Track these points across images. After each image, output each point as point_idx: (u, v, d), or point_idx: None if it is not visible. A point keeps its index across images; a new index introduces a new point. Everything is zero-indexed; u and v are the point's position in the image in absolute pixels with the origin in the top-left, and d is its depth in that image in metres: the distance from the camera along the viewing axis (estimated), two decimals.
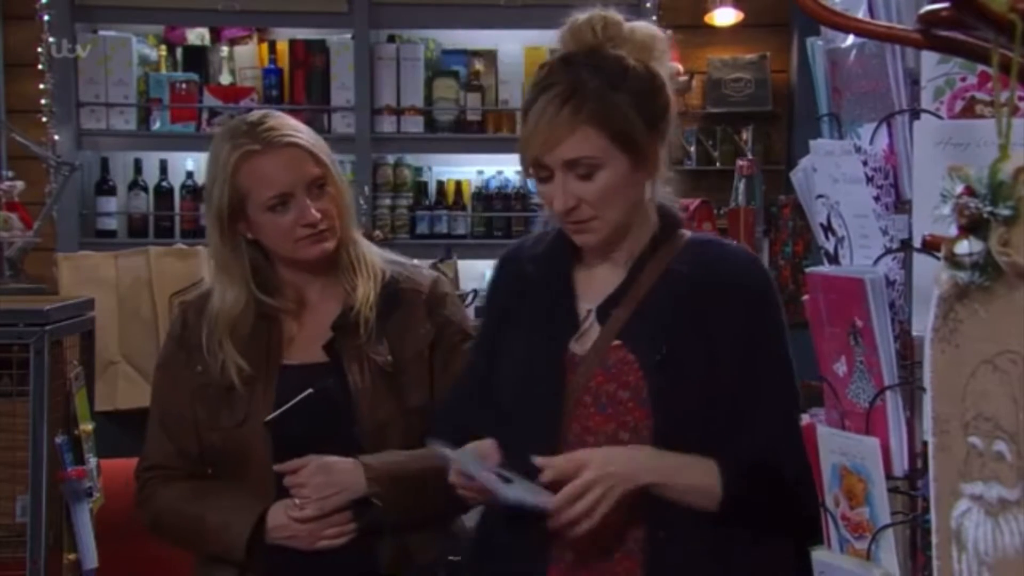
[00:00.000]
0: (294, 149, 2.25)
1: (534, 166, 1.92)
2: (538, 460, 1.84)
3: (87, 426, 2.74)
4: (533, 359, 1.99)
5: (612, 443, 1.91)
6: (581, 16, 1.95)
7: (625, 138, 1.89)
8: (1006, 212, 1.06)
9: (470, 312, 3.15)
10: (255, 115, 2.31)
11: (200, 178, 5.12)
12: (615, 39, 1.92)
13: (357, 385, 2.25)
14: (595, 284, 2.01)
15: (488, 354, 2.09)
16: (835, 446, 1.75)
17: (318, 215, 2.24)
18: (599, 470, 1.85)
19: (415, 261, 2.50)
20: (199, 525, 2.26)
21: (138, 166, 5.13)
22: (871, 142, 1.69)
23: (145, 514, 2.37)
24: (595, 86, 1.88)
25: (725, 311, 1.93)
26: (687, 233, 2.02)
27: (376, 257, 2.36)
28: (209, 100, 5.06)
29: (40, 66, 4.87)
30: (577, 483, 1.84)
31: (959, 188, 1.09)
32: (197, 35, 5.28)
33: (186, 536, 2.33)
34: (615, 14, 1.96)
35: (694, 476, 1.91)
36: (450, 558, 2.29)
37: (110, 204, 5.09)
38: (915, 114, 1.62)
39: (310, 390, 2.21)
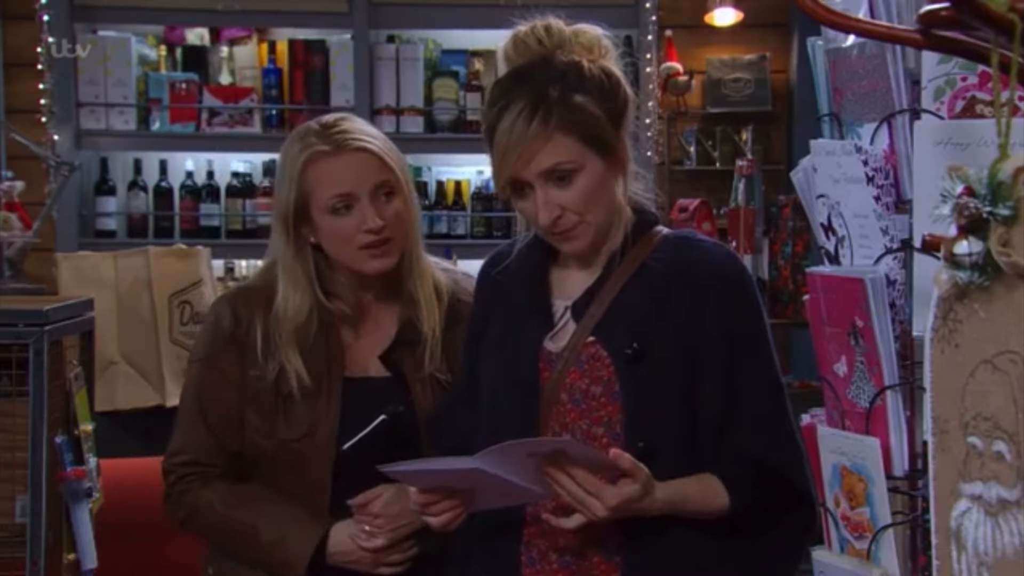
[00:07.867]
0: (363, 154, 2.19)
1: (511, 184, 1.92)
2: (613, 451, 1.82)
3: (87, 426, 2.73)
4: (509, 359, 1.99)
5: (588, 438, 1.90)
6: (522, 27, 1.94)
7: (595, 139, 1.90)
8: (1006, 212, 1.06)
9: None
10: (330, 118, 2.25)
11: (199, 179, 5.13)
12: (561, 44, 1.93)
13: (421, 406, 2.21)
14: (570, 281, 2.01)
15: (473, 356, 2.09)
16: (835, 446, 1.75)
17: (381, 222, 2.16)
18: (630, 499, 1.81)
19: (455, 266, 2.44)
20: (249, 533, 2.19)
21: (137, 166, 5.12)
22: (871, 142, 1.69)
23: (178, 510, 2.28)
24: (557, 93, 1.88)
25: (701, 305, 1.93)
26: (663, 229, 2.02)
27: (438, 272, 2.30)
28: (209, 100, 5.05)
29: (40, 66, 4.86)
30: (611, 490, 1.80)
31: (959, 188, 1.09)
32: (197, 35, 5.27)
33: (228, 541, 2.25)
34: (556, 20, 1.95)
35: (700, 502, 1.90)
36: None
37: (109, 204, 5.08)
38: (915, 114, 1.62)
39: (384, 416, 2.16)
